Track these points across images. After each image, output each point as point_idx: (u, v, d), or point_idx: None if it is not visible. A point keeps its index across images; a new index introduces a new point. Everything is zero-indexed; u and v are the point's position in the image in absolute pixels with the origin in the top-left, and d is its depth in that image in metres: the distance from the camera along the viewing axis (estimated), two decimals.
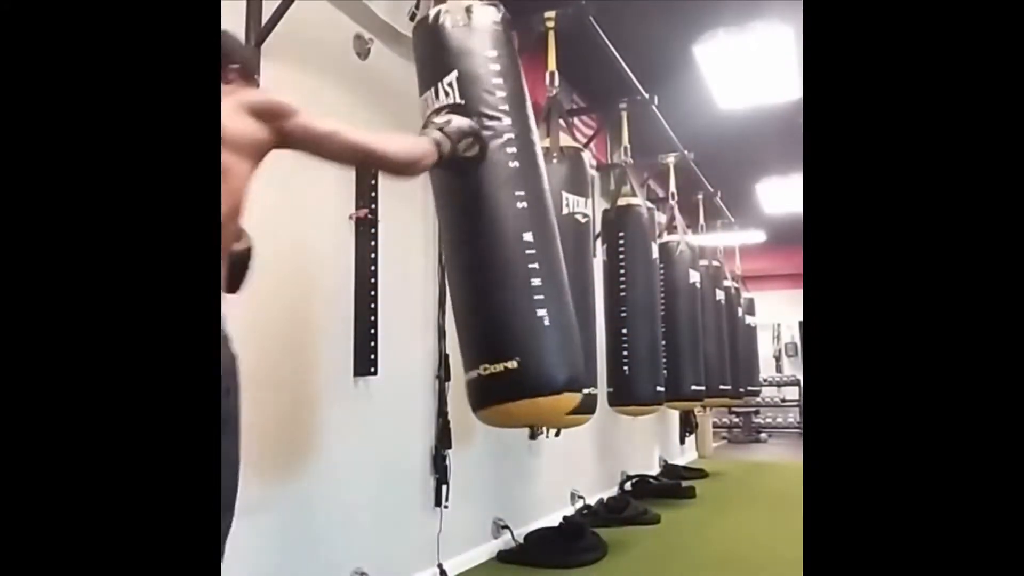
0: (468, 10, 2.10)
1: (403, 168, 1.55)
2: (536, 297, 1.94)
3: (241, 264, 1.37)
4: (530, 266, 1.96)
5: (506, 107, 2.07)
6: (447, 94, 2.03)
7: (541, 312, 1.93)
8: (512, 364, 1.87)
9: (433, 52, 2.10)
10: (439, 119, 1.65)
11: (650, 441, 6.14)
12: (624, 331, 3.83)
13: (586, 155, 3.22)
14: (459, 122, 1.66)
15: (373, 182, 2.67)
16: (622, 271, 3.88)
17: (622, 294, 3.87)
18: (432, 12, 2.12)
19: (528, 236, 1.99)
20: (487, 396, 1.95)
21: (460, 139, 1.62)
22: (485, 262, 1.98)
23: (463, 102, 2.01)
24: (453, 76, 2.04)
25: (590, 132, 4.59)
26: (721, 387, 5.74)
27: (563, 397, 1.95)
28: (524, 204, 2.01)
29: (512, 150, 2.05)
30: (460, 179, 1.97)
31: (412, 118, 2.23)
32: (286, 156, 2.37)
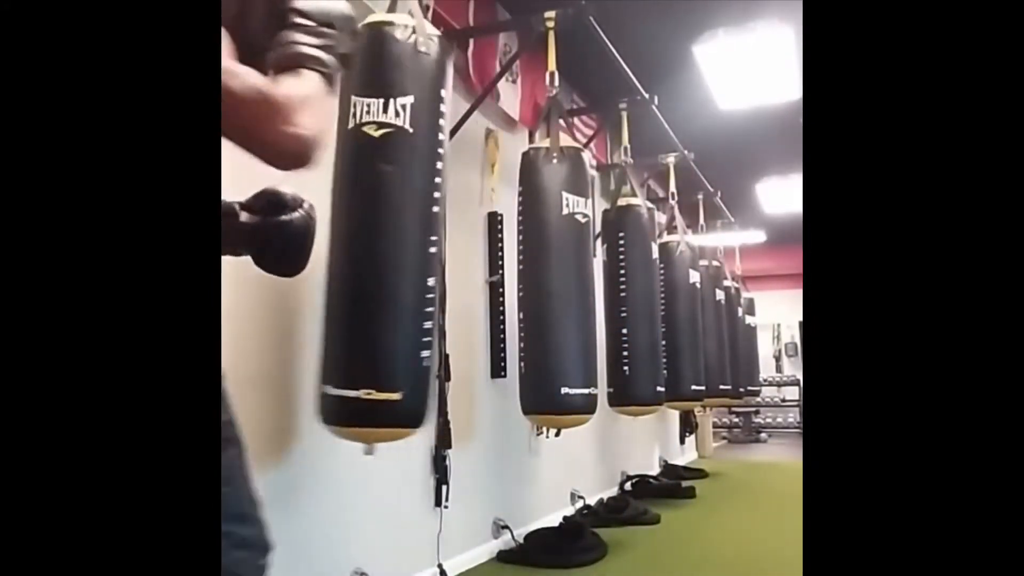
0: (432, 39, 2.14)
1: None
2: (425, 339, 2.09)
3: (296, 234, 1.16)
4: (426, 310, 2.09)
5: (442, 150, 2.14)
6: (398, 114, 2.06)
7: (426, 353, 2.09)
8: (396, 396, 2.01)
9: (392, 64, 2.11)
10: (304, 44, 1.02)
11: (650, 441, 6.15)
12: (624, 331, 3.83)
13: (586, 155, 3.23)
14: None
15: None
16: (622, 271, 3.88)
17: (622, 294, 3.87)
18: (401, 24, 2.11)
19: (431, 281, 2.10)
20: (361, 417, 2.05)
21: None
22: (388, 296, 2.08)
23: (411, 130, 2.06)
24: (409, 100, 2.06)
25: (590, 132, 4.60)
26: (721, 387, 5.74)
27: (418, 429, 2.16)
28: (434, 249, 2.12)
29: (438, 195, 2.13)
30: (376, 213, 2.07)
31: None
32: None
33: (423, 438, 2.98)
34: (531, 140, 3.80)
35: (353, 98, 2.10)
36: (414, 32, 2.10)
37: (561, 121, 3.15)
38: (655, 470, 6.05)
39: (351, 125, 2.10)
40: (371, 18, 2.15)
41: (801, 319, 9.38)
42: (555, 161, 3.01)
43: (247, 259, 1.52)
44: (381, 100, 2.07)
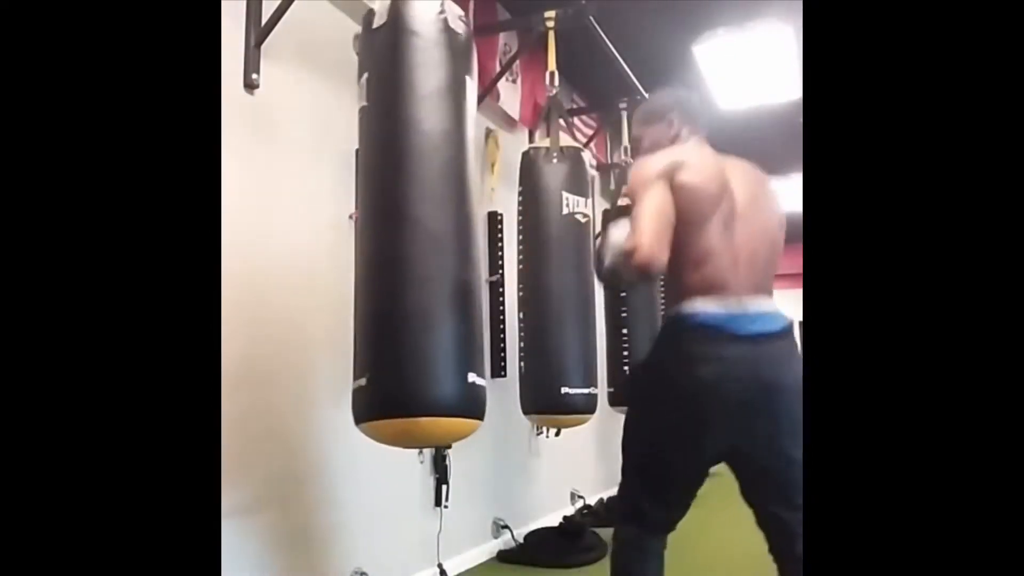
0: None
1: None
2: None
3: None
4: None
5: None
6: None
7: None
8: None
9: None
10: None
11: None
12: (624, 331, 3.83)
13: (586, 155, 3.22)
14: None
15: None
16: None
17: (622, 294, 3.87)
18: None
19: None
20: None
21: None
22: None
23: None
24: None
25: (590, 132, 4.59)
26: None
27: None
28: None
29: None
30: None
31: None
32: (283, 153, 2.38)
33: None
34: (531, 140, 3.80)
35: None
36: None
37: (561, 121, 3.15)
38: None
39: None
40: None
41: (801, 319, 9.35)
42: (555, 161, 3.00)
43: (247, 258, 1.51)
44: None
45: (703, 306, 1.58)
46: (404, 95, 1.83)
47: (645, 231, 1.55)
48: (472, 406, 1.77)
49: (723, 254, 1.60)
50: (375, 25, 1.94)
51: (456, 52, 1.91)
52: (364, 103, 1.93)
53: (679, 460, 1.64)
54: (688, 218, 1.60)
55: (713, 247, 1.60)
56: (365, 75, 1.95)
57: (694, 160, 1.66)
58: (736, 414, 1.54)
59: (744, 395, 1.52)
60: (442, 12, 1.91)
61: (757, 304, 1.62)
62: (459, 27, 1.95)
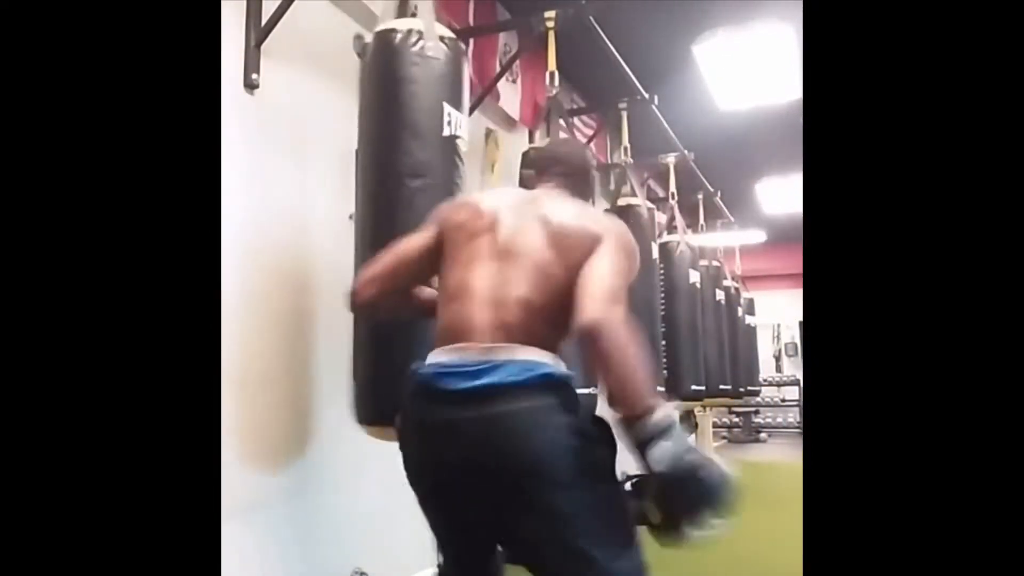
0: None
1: None
2: None
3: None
4: None
5: None
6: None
7: None
8: None
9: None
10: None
11: None
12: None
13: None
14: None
15: None
16: None
17: None
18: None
19: None
20: None
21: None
22: None
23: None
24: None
25: (590, 132, 4.59)
26: (721, 387, 5.72)
27: None
28: None
29: None
30: None
31: None
32: (283, 153, 2.38)
33: None
34: (531, 140, 3.79)
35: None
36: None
37: (561, 121, 3.15)
38: None
39: (447, 133, 2.00)
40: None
41: (801, 319, 9.38)
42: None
43: (247, 258, 1.50)
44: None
45: (433, 357, 1.29)
46: (382, 137, 1.98)
47: (374, 265, 1.46)
48: None
49: (471, 293, 1.29)
50: (362, 59, 2.05)
51: (432, 81, 1.99)
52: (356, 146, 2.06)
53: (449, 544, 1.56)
54: (446, 255, 1.39)
55: (460, 284, 1.31)
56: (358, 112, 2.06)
57: (472, 199, 1.47)
58: (465, 493, 1.29)
59: (466, 465, 1.24)
60: (418, 40, 1.98)
61: (508, 353, 1.24)
62: (438, 51, 2.00)
